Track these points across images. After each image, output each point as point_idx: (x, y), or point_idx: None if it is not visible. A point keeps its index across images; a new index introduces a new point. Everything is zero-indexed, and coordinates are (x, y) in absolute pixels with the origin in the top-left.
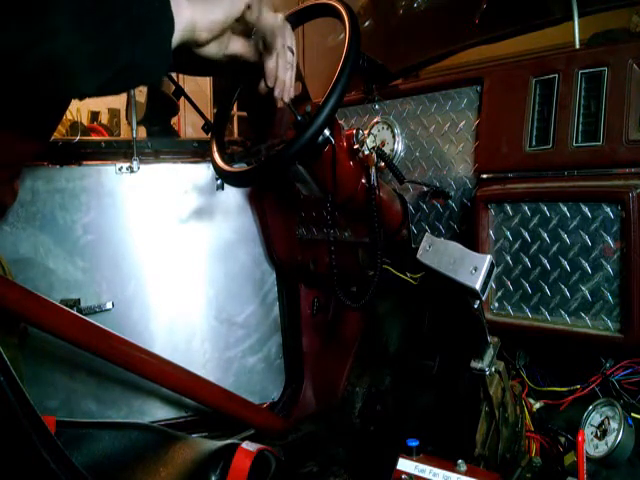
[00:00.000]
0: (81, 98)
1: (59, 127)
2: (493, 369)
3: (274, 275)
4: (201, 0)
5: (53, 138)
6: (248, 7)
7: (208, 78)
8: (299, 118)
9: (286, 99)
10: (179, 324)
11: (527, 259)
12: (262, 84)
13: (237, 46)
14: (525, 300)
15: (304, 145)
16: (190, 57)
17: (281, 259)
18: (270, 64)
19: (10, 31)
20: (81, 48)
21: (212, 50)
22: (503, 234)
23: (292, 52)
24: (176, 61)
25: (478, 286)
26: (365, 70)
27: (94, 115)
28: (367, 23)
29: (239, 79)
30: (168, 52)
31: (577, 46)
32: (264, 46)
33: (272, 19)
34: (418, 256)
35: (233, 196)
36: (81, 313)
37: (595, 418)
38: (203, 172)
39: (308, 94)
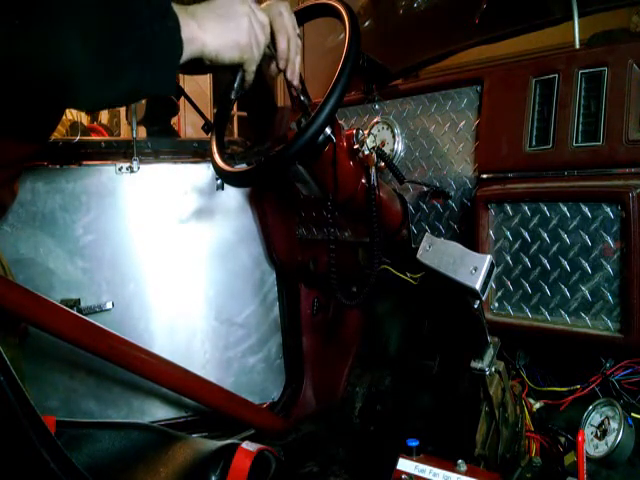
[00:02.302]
0: (89, 112)
1: (59, 127)
2: (493, 369)
3: (274, 275)
4: (217, 34)
5: (53, 138)
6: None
7: (208, 78)
8: (302, 97)
9: (296, 82)
10: (179, 324)
11: (527, 259)
12: (273, 66)
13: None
14: (525, 300)
15: (304, 145)
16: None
17: (281, 259)
18: (282, 46)
19: (19, 40)
20: (88, 66)
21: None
22: (503, 234)
23: (300, 37)
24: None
25: (478, 286)
26: (365, 70)
27: (94, 115)
28: (367, 23)
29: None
30: (174, 77)
31: (577, 46)
32: (274, 30)
33: (277, 5)
34: (418, 256)
35: (233, 196)
36: (81, 313)
37: (595, 418)
38: (203, 172)
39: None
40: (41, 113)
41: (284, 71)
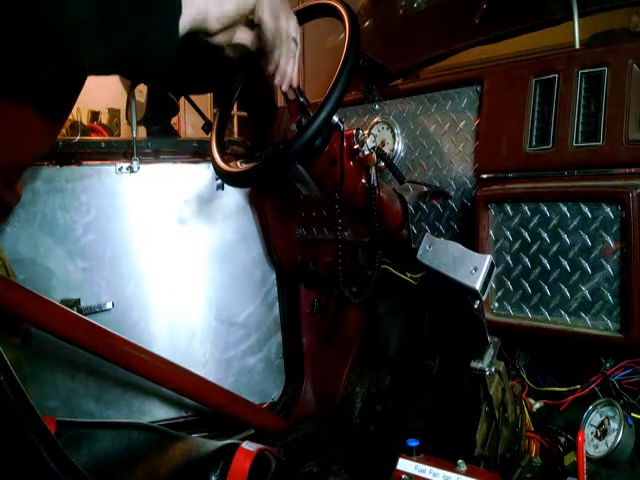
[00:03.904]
0: (90, 72)
1: None
2: (493, 369)
3: (274, 275)
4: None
5: None
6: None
7: None
8: (301, 99)
9: (284, 87)
10: (179, 324)
11: (527, 259)
12: (267, 70)
13: (244, 36)
14: (525, 300)
15: (304, 145)
16: (196, 58)
17: (281, 259)
18: (273, 51)
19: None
20: (89, 18)
21: (220, 39)
22: (503, 234)
23: (296, 43)
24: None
25: (478, 286)
26: (365, 70)
27: (94, 115)
28: (367, 23)
29: (239, 78)
30: (176, 33)
31: (577, 46)
32: (269, 34)
33: (279, 8)
34: (418, 256)
35: (233, 196)
36: (81, 313)
37: (595, 418)
38: (203, 172)
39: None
40: (49, 109)
41: (273, 77)
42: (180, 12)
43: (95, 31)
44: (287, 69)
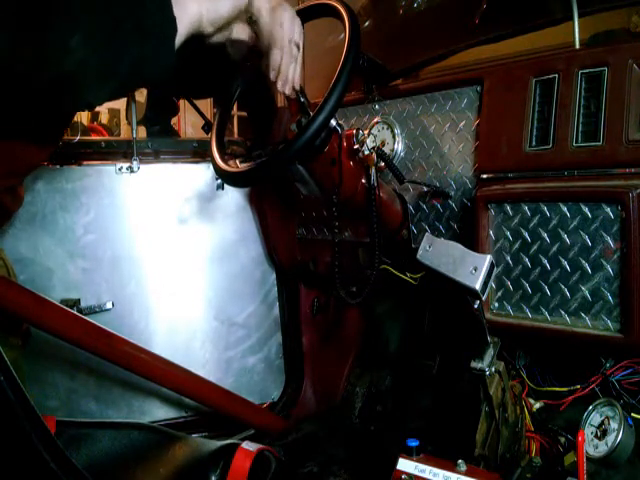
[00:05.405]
0: (91, 109)
1: None
2: (493, 369)
3: (274, 275)
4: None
5: None
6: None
7: None
8: (302, 99)
9: (287, 92)
10: (179, 324)
11: (527, 259)
12: (271, 75)
13: (241, 33)
14: (525, 300)
15: (304, 145)
16: (196, 65)
17: (281, 259)
18: (274, 57)
19: (26, 50)
20: (90, 61)
21: (218, 39)
22: (503, 234)
23: (298, 47)
24: (180, 78)
25: (478, 286)
26: (365, 70)
27: (94, 115)
28: (367, 23)
29: (239, 79)
30: (172, 49)
31: (577, 46)
32: (270, 39)
33: (282, 13)
34: (418, 256)
35: (233, 196)
36: (81, 313)
37: (595, 418)
38: (203, 172)
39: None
40: (50, 120)
41: (275, 82)
42: (176, 30)
43: (96, 72)
44: (288, 73)
